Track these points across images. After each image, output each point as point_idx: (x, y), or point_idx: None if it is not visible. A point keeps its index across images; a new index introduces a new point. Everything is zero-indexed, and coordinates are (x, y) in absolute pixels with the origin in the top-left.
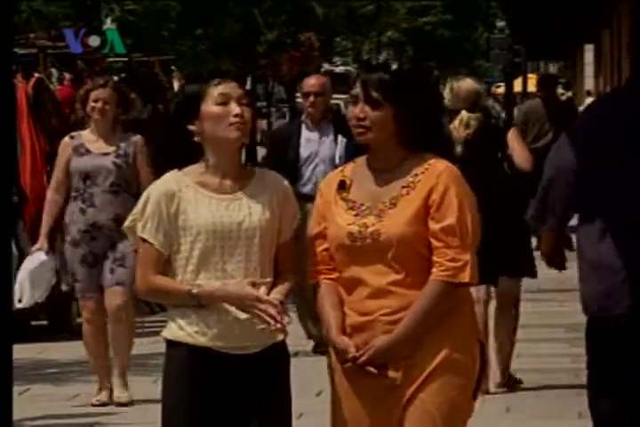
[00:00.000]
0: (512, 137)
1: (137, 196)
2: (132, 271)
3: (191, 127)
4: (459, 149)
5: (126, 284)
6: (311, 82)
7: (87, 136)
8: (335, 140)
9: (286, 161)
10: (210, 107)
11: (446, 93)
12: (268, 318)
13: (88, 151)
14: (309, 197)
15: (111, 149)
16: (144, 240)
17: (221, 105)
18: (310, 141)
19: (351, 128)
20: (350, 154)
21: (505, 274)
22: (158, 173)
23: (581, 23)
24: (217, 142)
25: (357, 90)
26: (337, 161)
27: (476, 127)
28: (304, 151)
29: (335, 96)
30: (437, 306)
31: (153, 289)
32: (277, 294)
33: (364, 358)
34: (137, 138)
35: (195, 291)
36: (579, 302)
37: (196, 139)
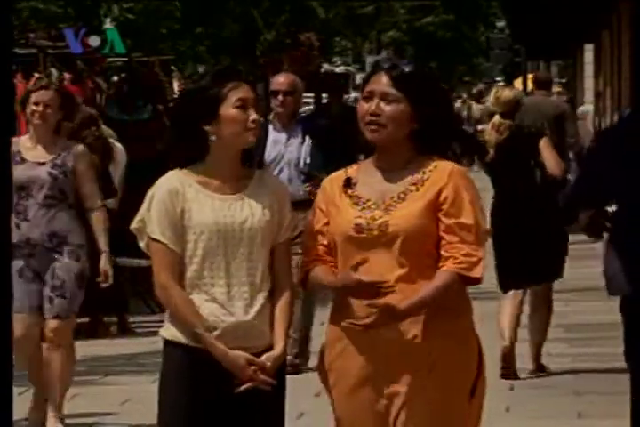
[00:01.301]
0: (544, 145)
1: (75, 209)
2: (71, 301)
3: (206, 128)
4: (491, 152)
5: (65, 316)
6: (280, 80)
7: (25, 142)
8: (303, 142)
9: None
10: (229, 110)
11: (490, 98)
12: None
13: (23, 160)
14: None
15: (49, 157)
16: (154, 240)
17: (240, 108)
18: (277, 143)
19: (362, 126)
20: (316, 157)
21: (538, 277)
22: (162, 171)
23: (581, 23)
24: (231, 144)
25: (375, 86)
26: (301, 164)
27: (508, 133)
28: (270, 154)
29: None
30: (445, 294)
31: (167, 301)
32: (279, 338)
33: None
34: (79, 148)
35: (199, 331)
36: (579, 303)
37: (212, 138)
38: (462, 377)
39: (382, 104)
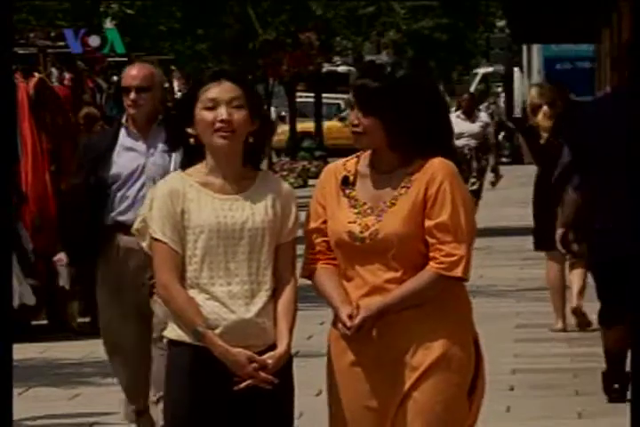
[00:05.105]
0: None
1: None
2: None
3: (189, 130)
4: (545, 135)
5: None
6: (132, 73)
7: None
8: (168, 151)
9: (96, 179)
10: (200, 111)
11: (532, 92)
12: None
13: None
14: (129, 228)
15: None
16: (156, 240)
17: (210, 110)
18: (133, 153)
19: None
20: (185, 167)
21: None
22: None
23: (581, 22)
24: (207, 146)
25: (351, 96)
26: None
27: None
28: (124, 167)
29: (337, 96)
30: (424, 292)
31: (168, 300)
32: (282, 336)
33: (355, 323)
34: None
35: (200, 329)
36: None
37: (191, 141)
38: (461, 377)
39: (360, 115)
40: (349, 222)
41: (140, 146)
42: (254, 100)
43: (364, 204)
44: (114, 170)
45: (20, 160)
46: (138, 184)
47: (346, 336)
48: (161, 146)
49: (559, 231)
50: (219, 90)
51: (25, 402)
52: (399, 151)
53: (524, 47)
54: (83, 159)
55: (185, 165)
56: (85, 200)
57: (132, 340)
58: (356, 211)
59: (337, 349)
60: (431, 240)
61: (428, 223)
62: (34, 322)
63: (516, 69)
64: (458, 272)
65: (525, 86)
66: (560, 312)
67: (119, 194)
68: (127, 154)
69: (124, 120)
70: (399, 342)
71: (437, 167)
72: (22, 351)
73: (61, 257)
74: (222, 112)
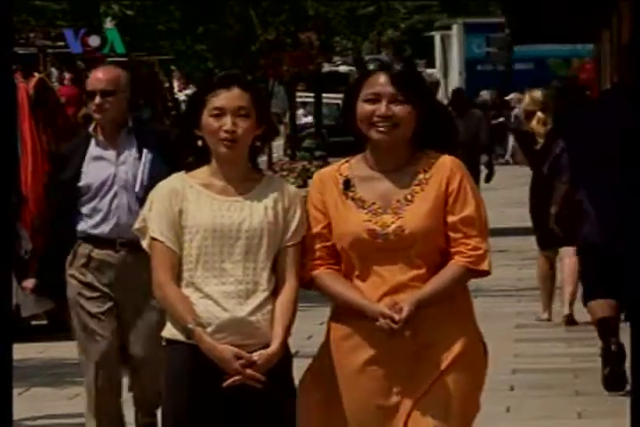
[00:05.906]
0: None
1: None
2: None
3: (197, 132)
4: (540, 141)
5: None
6: (97, 76)
7: None
8: (140, 158)
9: (65, 190)
10: (206, 118)
11: (526, 99)
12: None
13: None
14: (108, 242)
15: None
16: (154, 239)
17: (216, 117)
18: (103, 163)
19: (365, 127)
20: (156, 174)
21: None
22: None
23: (581, 23)
24: (213, 152)
25: (380, 88)
26: (137, 188)
27: (552, 124)
28: (94, 177)
29: (336, 96)
30: (452, 287)
31: (162, 299)
32: (276, 335)
33: (403, 316)
34: None
35: (190, 326)
36: (579, 303)
37: (199, 143)
38: (474, 375)
39: (393, 105)
40: (365, 221)
41: (110, 154)
42: (262, 106)
43: (373, 203)
44: (84, 181)
45: (20, 161)
46: (110, 195)
47: (375, 333)
48: (133, 153)
49: (553, 208)
50: (226, 98)
51: (25, 402)
52: (413, 145)
53: (439, 48)
54: (52, 172)
55: (191, 166)
56: (57, 214)
57: (101, 349)
58: (364, 211)
59: (343, 348)
60: (455, 235)
61: (451, 218)
62: (34, 322)
63: (434, 71)
64: (485, 266)
65: (443, 88)
66: (547, 303)
67: (91, 206)
68: (97, 164)
69: (91, 129)
70: (417, 340)
71: (454, 165)
72: (22, 351)
73: (28, 284)
74: (227, 121)
